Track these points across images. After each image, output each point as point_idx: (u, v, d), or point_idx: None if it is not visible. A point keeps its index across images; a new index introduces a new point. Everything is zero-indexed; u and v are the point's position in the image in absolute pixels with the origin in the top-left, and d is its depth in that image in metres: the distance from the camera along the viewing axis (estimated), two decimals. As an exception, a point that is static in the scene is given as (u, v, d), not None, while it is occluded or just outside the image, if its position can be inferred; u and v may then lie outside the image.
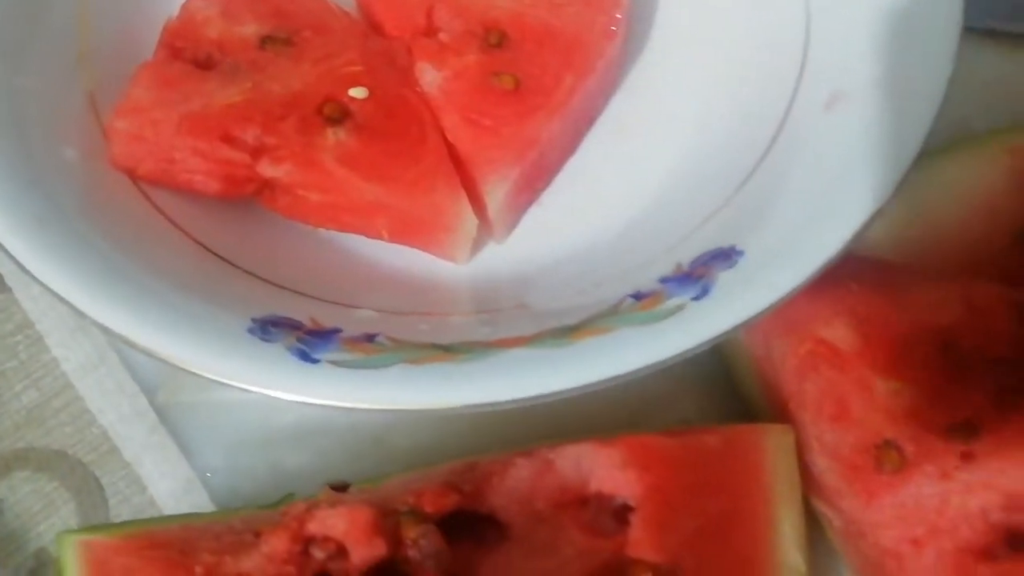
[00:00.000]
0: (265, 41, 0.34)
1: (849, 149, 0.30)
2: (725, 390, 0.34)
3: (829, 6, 0.33)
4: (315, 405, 0.25)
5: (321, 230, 0.34)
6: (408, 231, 0.33)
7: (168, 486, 0.33)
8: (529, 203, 0.36)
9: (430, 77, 0.35)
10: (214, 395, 0.34)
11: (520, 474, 0.29)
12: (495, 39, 0.35)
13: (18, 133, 0.30)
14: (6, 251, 0.27)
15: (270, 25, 0.34)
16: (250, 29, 0.34)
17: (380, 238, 0.33)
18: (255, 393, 0.25)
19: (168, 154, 0.31)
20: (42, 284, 0.26)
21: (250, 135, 0.32)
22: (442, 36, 0.36)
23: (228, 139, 0.31)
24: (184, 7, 0.34)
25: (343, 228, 0.34)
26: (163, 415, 0.34)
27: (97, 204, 0.30)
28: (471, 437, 0.32)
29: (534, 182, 0.36)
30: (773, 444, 0.30)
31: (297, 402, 0.25)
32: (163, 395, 0.34)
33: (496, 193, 0.33)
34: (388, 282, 0.33)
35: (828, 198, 0.29)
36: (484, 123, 0.34)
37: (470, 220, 0.33)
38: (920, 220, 0.33)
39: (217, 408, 0.34)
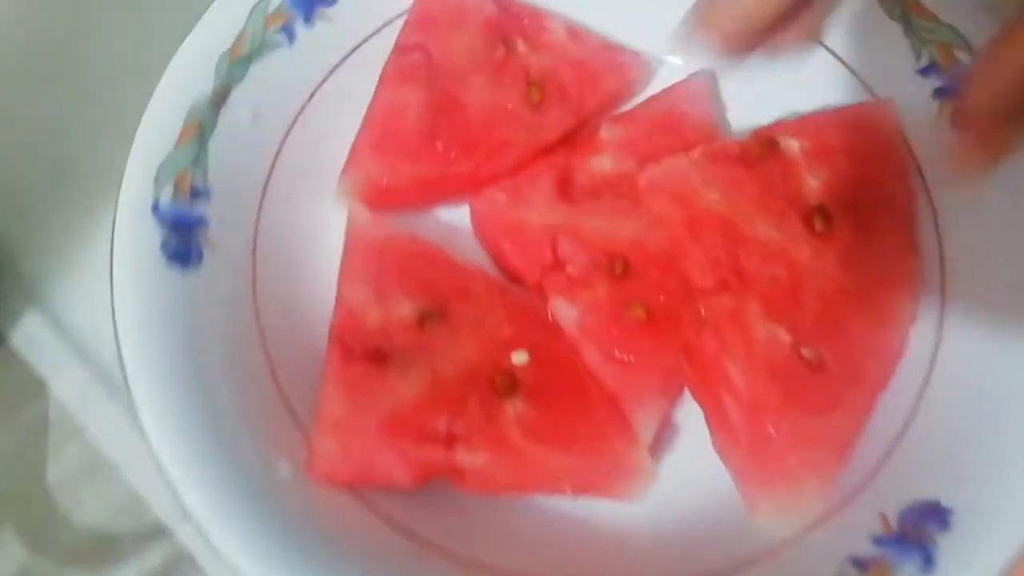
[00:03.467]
0: (423, 320, 0.36)
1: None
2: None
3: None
4: None
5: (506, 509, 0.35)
6: (591, 485, 0.35)
7: None
8: (666, 428, 0.37)
9: (565, 312, 0.36)
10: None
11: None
12: (620, 268, 0.37)
13: (233, 452, 0.31)
14: (227, 562, 0.28)
15: (421, 301, 0.36)
16: (405, 309, 0.36)
17: (562, 495, 0.35)
18: None
19: (369, 461, 0.32)
20: None
21: (441, 425, 0.33)
22: (569, 269, 0.38)
23: (424, 435, 0.33)
24: (339, 300, 0.36)
25: (527, 494, 0.35)
26: None
27: (310, 509, 0.31)
28: None
29: (672, 407, 0.37)
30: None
31: None
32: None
33: (649, 428, 0.35)
34: (582, 544, 0.34)
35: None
36: (626, 359, 0.35)
37: (648, 466, 0.34)
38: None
39: None
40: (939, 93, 0.38)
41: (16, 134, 0.44)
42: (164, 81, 0.36)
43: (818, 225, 0.34)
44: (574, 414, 0.34)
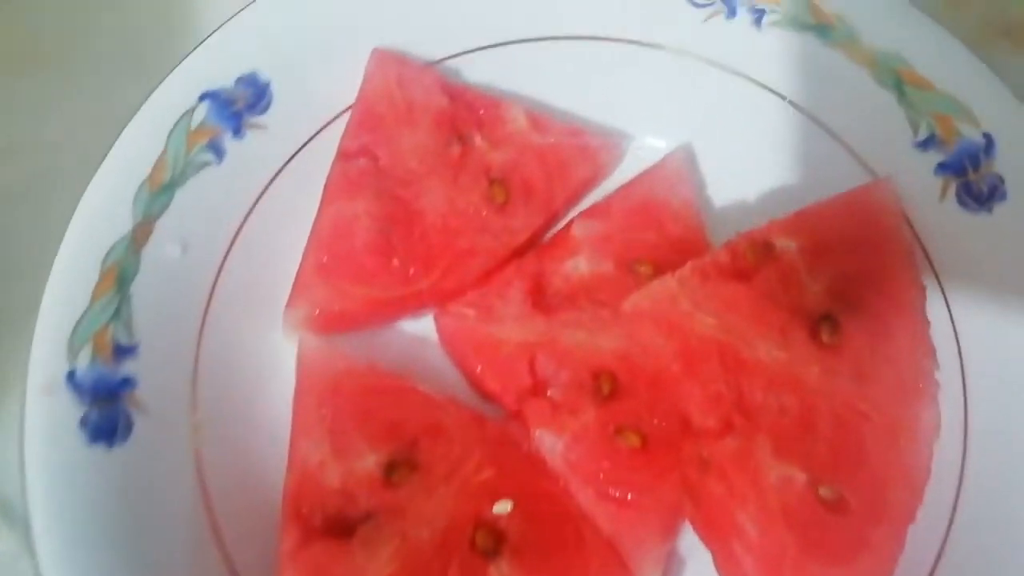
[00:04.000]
0: (389, 471, 0.31)
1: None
2: None
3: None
4: None
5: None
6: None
7: None
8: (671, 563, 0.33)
9: (550, 444, 0.33)
10: None
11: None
12: (607, 387, 0.33)
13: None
14: None
15: (386, 448, 0.32)
16: (369, 461, 0.32)
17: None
18: None
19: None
20: None
21: (418, 610, 0.29)
22: (551, 393, 0.34)
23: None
24: (292, 459, 0.31)
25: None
26: None
27: None
28: None
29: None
30: None
31: None
32: None
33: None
34: None
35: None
36: (621, 497, 0.32)
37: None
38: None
39: None
40: (941, 168, 0.34)
41: None
42: (74, 224, 0.31)
43: (825, 336, 0.31)
44: (567, 568, 0.31)
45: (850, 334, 0.31)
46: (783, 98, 0.37)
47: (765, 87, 0.37)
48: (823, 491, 0.29)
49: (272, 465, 0.32)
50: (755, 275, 0.31)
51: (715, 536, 0.30)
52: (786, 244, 0.32)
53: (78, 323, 0.30)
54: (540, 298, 0.36)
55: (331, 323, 0.34)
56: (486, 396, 0.35)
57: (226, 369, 0.33)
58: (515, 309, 0.35)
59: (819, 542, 0.28)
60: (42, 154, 0.39)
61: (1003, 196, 0.33)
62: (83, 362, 0.30)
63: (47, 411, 0.29)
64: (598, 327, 0.34)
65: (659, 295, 0.30)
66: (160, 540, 0.29)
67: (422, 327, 0.36)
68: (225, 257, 0.34)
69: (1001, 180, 0.33)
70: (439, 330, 0.36)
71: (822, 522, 0.28)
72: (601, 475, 0.32)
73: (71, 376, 0.29)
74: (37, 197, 0.38)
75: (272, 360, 0.34)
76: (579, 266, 0.36)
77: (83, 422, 0.29)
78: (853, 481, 0.29)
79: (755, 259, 0.31)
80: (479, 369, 0.34)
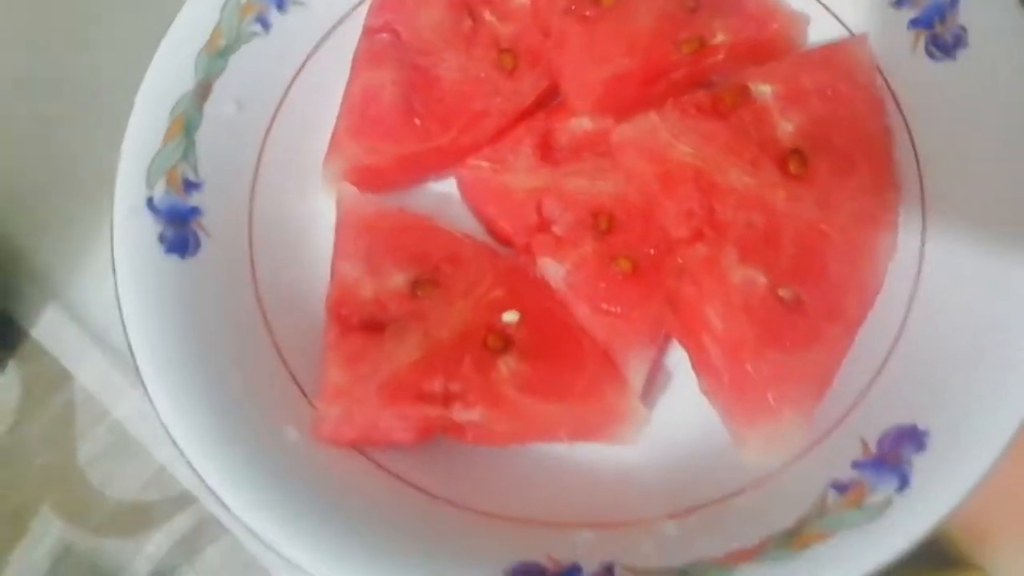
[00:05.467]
0: (415, 287, 0.37)
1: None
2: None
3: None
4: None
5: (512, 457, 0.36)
6: (586, 431, 0.36)
7: None
8: (657, 374, 0.38)
9: (553, 271, 0.38)
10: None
11: None
12: (605, 224, 0.38)
13: (240, 423, 0.33)
14: (257, 536, 0.30)
15: (412, 270, 0.37)
16: (398, 279, 0.37)
17: (560, 442, 0.36)
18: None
19: (372, 422, 0.34)
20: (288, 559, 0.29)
21: (438, 385, 0.34)
22: (556, 229, 0.39)
23: (421, 397, 0.34)
24: (334, 275, 0.37)
25: (526, 443, 0.36)
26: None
27: (322, 470, 0.33)
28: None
29: (661, 354, 0.38)
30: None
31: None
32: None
33: (638, 374, 0.36)
34: (581, 486, 0.36)
35: (997, 353, 0.31)
36: (614, 310, 0.36)
37: (640, 410, 0.36)
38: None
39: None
40: (914, 24, 0.37)
41: (16, 140, 0.46)
42: (146, 82, 0.37)
43: (793, 168, 0.35)
44: (566, 367, 0.36)
45: (817, 167, 0.35)
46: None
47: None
48: (782, 292, 0.33)
49: (317, 287, 0.38)
50: (731, 114, 0.35)
51: (689, 334, 0.35)
52: (762, 88, 0.36)
53: (153, 160, 0.36)
54: (548, 152, 0.40)
55: (363, 178, 0.40)
56: (499, 239, 0.40)
57: (277, 210, 0.39)
58: (525, 161, 0.40)
59: (776, 333, 0.33)
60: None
61: (965, 44, 0.36)
62: (159, 191, 0.36)
63: (132, 228, 0.35)
64: (598, 174, 0.39)
65: (642, 126, 0.35)
66: (224, 336, 0.35)
67: (446, 188, 0.42)
68: (274, 116, 0.40)
69: (964, 30, 0.36)
70: (458, 181, 0.41)
71: (779, 317, 0.33)
72: (596, 295, 0.37)
73: (150, 201, 0.36)
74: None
75: (318, 207, 0.40)
76: (583, 124, 0.41)
77: (161, 237, 0.35)
78: (810, 286, 0.33)
79: (732, 100, 0.35)
80: (493, 211, 0.40)
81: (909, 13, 0.38)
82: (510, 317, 0.37)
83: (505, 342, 0.36)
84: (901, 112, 0.37)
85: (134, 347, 0.34)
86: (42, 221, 0.45)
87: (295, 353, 0.37)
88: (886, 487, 0.30)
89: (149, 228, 0.35)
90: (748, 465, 0.34)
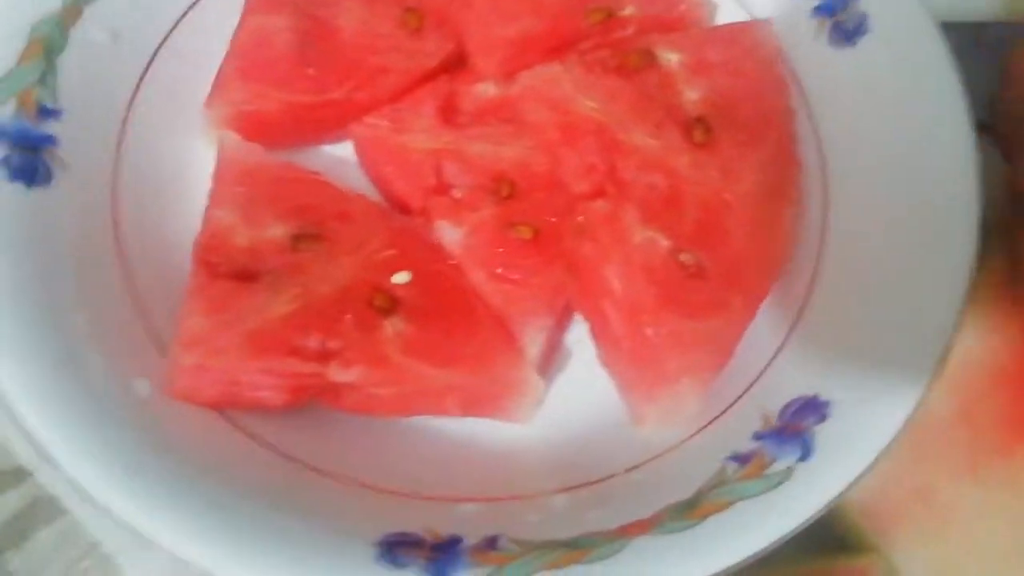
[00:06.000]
0: (296, 240, 0.34)
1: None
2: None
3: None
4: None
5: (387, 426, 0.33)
6: (477, 404, 0.34)
7: None
8: (559, 339, 0.36)
9: (450, 235, 0.35)
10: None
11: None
12: (506, 191, 0.36)
13: (81, 373, 0.29)
14: (97, 503, 0.26)
15: (294, 223, 0.34)
16: (277, 231, 0.34)
17: (449, 415, 0.33)
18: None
19: (234, 378, 0.30)
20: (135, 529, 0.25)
21: (313, 342, 0.31)
22: (455, 192, 0.36)
23: (293, 352, 0.31)
24: (206, 221, 0.34)
25: (411, 414, 0.33)
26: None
27: (178, 433, 0.29)
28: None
29: (562, 324, 0.36)
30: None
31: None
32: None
33: (534, 344, 0.34)
34: (467, 460, 0.33)
35: (899, 326, 0.30)
36: (511, 277, 0.35)
37: (535, 381, 0.33)
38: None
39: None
40: (817, 11, 0.38)
41: None
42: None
43: (697, 136, 0.34)
44: (457, 332, 0.33)
45: (720, 137, 0.34)
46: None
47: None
48: (683, 257, 0.32)
49: (187, 240, 0.34)
50: (635, 76, 0.34)
51: (588, 299, 0.33)
52: (667, 55, 0.35)
53: (3, 79, 0.32)
54: (450, 115, 0.38)
55: (249, 126, 0.37)
56: (394, 203, 0.38)
57: (150, 151, 0.36)
58: (426, 122, 0.38)
59: (677, 298, 0.31)
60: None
61: (866, 31, 0.37)
62: (7, 112, 0.32)
63: (-31, 147, 0.31)
64: (502, 140, 0.37)
65: (545, 76, 0.33)
66: (70, 276, 0.31)
67: (339, 151, 0.39)
68: (155, 53, 0.37)
69: (865, 16, 0.37)
70: (354, 140, 0.38)
71: (680, 282, 0.32)
72: (494, 260, 0.35)
73: (-6, 122, 0.32)
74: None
75: (196, 154, 0.36)
76: (487, 89, 0.39)
77: (4, 161, 0.31)
78: (712, 253, 0.32)
79: (637, 63, 0.34)
80: (389, 172, 0.37)
81: (813, 1, 0.38)
82: (400, 278, 0.34)
83: (392, 303, 0.33)
84: (804, 94, 0.38)
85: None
86: None
87: (156, 306, 0.33)
88: (788, 457, 0.28)
89: (-10, 149, 0.31)
90: (645, 441, 0.32)
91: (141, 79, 0.36)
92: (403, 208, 0.37)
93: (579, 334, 0.36)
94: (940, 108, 0.34)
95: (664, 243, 0.32)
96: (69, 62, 0.34)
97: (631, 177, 0.32)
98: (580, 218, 0.32)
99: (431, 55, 0.39)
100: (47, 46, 0.33)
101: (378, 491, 0.30)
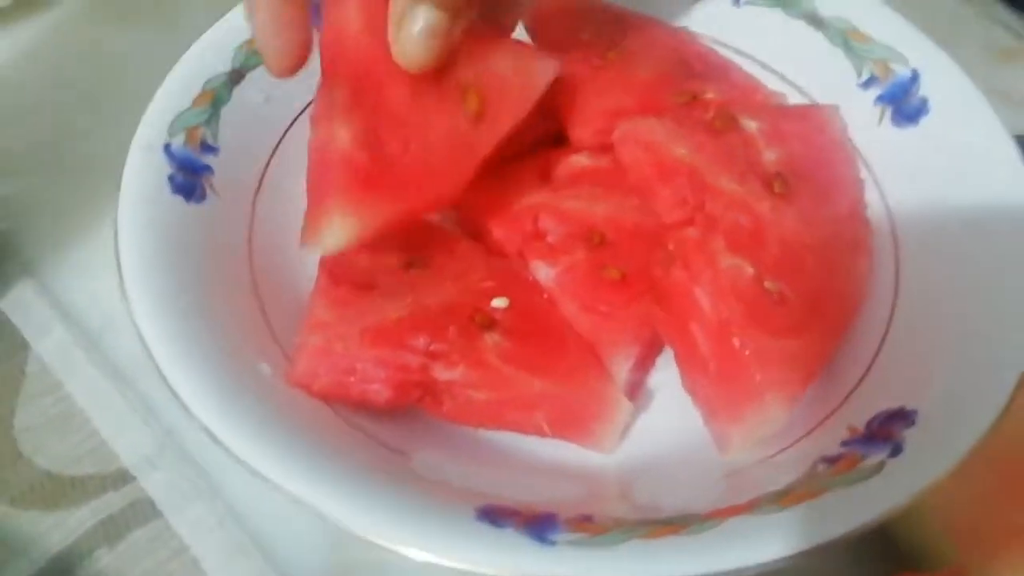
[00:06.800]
0: (408, 265, 0.37)
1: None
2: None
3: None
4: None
5: (482, 435, 0.35)
6: (566, 421, 0.35)
7: None
8: (645, 377, 0.38)
9: (544, 273, 0.38)
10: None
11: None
12: (597, 239, 0.39)
13: (217, 349, 0.32)
14: (241, 461, 0.28)
15: (407, 253, 0.38)
16: (393, 257, 0.38)
17: (538, 432, 0.35)
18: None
19: (350, 365, 0.33)
20: (266, 479, 0.27)
21: (422, 342, 0.34)
22: (550, 238, 0.40)
23: (404, 345, 0.33)
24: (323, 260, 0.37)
25: (503, 426, 0.35)
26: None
27: (295, 408, 0.31)
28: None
29: (648, 359, 0.38)
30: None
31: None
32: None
33: (622, 371, 0.36)
34: (552, 479, 0.34)
35: (981, 342, 0.32)
36: (600, 309, 0.37)
37: (625, 405, 0.35)
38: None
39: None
40: (879, 99, 0.42)
41: (22, 125, 0.48)
42: (185, 58, 0.40)
43: (777, 187, 0.37)
44: (551, 350, 0.35)
45: (798, 192, 0.38)
46: (755, 59, 0.46)
47: (740, 52, 0.47)
48: (768, 284, 0.34)
49: (309, 269, 0.38)
50: (720, 135, 0.38)
51: (675, 324, 0.35)
52: (747, 122, 0.39)
53: (178, 116, 0.38)
54: (547, 179, 0.43)
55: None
56: (493, 250, 0.41)
57: (283, 193, 0.40)
58: (526, 183, 0.42)
59: (763, 318, 0.33)
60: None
61: (927, 111, 0.41)
62: (177, 141, 0.37)
63: (145, 162, 0.36)
64: (594, 199, 0.41)
65: (640, 124, 0.37)
66: (212, 277, 0.35)
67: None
68: (298, 115, 0.43)
69: (925, 101, 0.41)
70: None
71: (766, 304, 0.33)
72: (585, 293, 0.37)
73: (167, 147, 0.37)
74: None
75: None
76: (581, 160, 0.43)
77: (170, 178, 0.36)
78: (794, 285, 0.34)
79: (721, 125, 0.38)
80: (489, 221, 0.41)
81: (876, 92, 0.43)
82: (499, 303, 0.37)
83: (491, 322, 0.36)
84: (870, 169, 0.41)
85: (123, 267, 0.33)
86: (32, 203, 0.45)
87: (278, 314, 0.36)
88: (878, 454, 0.29)
89: (161, 166, 0.36)
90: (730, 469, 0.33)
91: (284, 134, 0.42)
92: (500, 254, 0.41)
93: (663, 377, 0.38)
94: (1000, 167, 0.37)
95: (750, 270, 0.34)
96: (230, 112, 0.40)
97: (719, 213, 0.35)
98: (670, 246, 0.35)
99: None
100: (215, 97, 0.40)
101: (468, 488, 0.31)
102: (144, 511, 0.36)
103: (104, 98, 0.49)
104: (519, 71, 0.37)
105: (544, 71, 0.39)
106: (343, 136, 0.33)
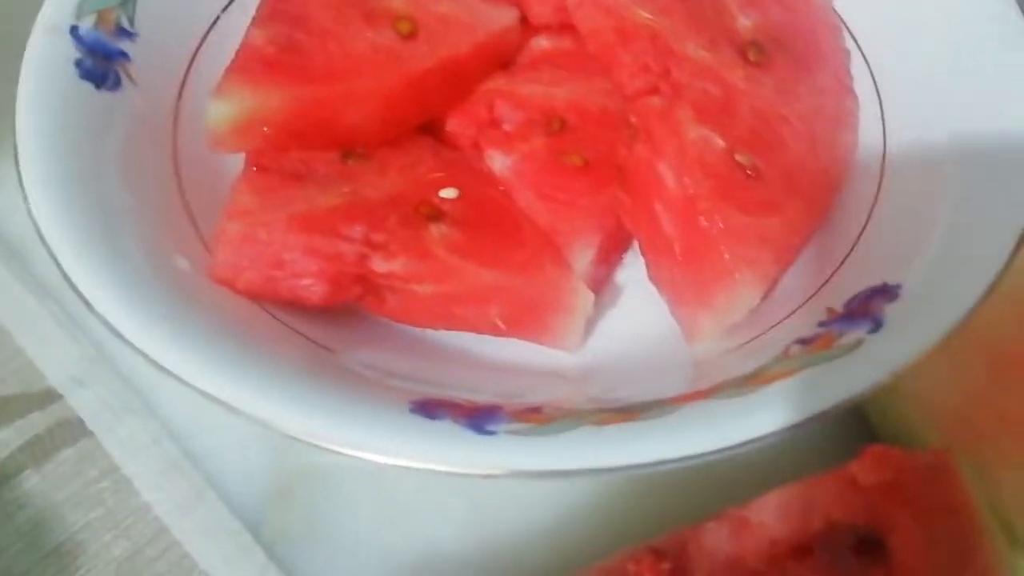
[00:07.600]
0: (346, 157, 0.34)
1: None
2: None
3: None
4: (509, 475, 0.22)
5: (427, 332, 0.32)
6: (523, 317, 0.32)
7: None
8: (610, 274, 0.35)
9: (500, 162, 0.35)
10: (325, 523, 0.30)
11: (718, 536, 0.26)
12: (557, 126, 0.36)
13: (127, 244, 0.29)
14: (149, 358, 0.26)
15: (344, 146, 0.34)
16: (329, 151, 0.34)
17: (493, 331, 0.32)
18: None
19: (277, 256, 0.30)
20: (181, 380, 0.24)
21: (358, 232, 0.31)
22: (506, 126, 0.36)
23: (338, 234, 0.30)
24: None
25: (453, 325, 0.32)
26: (271, 551, 0.30)
27: (217, 305, 0.28)
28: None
29: (612, 253, 0.35)
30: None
31: (480, 476, 0.23)
32: (269, 529, 0.30)
33: (582, 261, 0.33)
34: (511, 373, 0.31)
35: (969, 220, 0.29)
36: (560, 197, 0.34)
37: (585, 295, 0.32)
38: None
39: (331, 538, 0.30)
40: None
41: None
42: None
43: (752, 55, 0.34)
44: (504, 241, 0.32)
45: (775, 61, 0.34)
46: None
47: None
48: (740, 157, 0.31)
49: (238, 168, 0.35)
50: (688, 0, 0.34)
51: (640, 210, 0.32)
52: (720, -16, 0.35)
53: (85, -1, 0.34)
54: (505, 65, 0.39)
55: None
56: (446, 141, 0.38)
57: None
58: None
59: (733, 194, 0.30)
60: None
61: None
62: (86, 24, 0.34)
63: (48, 45, 0.32)
64: (553, 83, 0.38)
65: (600, -13, 0.34)
66: (125, 168, 0.32)
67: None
68: (227, 6, 0.39)
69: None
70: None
71: (737, 179, 0.30)
72: (543, 182, 0.34)
73: (74, 29, 0.33)
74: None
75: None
76: (541, 43, 0.40)
77: (78, 63, 0.33)
78: (770, 160, 0.31)
79: (690, -12, 0.35)
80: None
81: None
82: (448, 193, 0.34)
83: (438, 212, 0.33)
84: (856, 39, 0.37)
85: (20, 155, 0.30)
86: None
87: (203, 211, 0.33)
88: (857, 331, 0.26)
89: (67, 50, 0.33)
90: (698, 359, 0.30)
91: (215, 21, 0.38)
92: (453, 146, 0.37)
93: (632, 274, 0.35)
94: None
95: (719, 142, 0.31)
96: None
97: (685, 81, 0.32)
98: (633, 119, 0.32)
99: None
100: (131, -22, 0.36)
101: (413, 380, 0.29)
102: (72, 430, 0.34)
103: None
104: (470, 12, 0.36)
105: (499, 17, 0.37)
106: (255, 34, 0.33)
